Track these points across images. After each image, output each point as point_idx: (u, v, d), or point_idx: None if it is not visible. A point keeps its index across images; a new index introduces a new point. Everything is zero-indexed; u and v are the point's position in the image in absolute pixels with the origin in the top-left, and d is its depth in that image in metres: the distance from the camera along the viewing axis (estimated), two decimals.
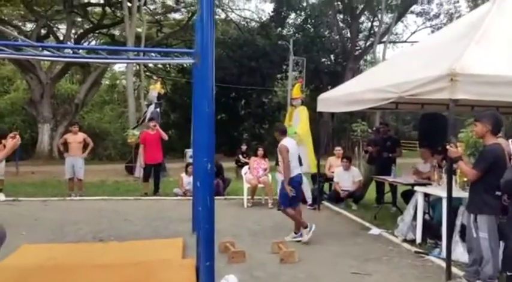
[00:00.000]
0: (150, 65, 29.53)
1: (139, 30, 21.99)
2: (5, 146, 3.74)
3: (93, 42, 28.22)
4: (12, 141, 3.65)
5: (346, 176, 8.70)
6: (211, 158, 3.29)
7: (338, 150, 9.66)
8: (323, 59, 28.99)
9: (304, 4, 28.22)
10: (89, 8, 25.42)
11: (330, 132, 26.96)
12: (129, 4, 19.30)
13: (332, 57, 30.19)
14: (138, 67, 21.89)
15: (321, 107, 8.05)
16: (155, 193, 9.86)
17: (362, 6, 28.77)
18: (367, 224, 7.04)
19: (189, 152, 13.64)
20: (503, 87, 4.40)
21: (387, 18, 28.95)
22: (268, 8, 40.91)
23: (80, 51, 5.84)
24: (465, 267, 4.47)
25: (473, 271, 4.21)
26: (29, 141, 20.93)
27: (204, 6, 3.19)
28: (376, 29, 29.01)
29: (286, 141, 6.01)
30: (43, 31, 23.84)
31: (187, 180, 9.44)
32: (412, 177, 7.00)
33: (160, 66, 30.66)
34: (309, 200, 8.61)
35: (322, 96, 8.11)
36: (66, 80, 27.69)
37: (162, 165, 10.82)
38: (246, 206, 8.61)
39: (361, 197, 8.77)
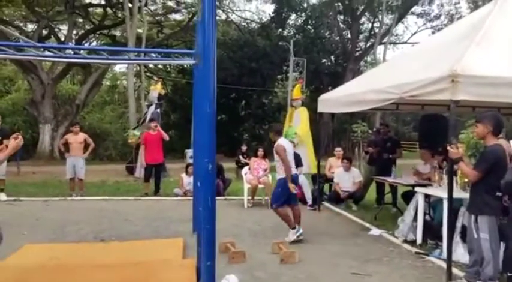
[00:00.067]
0: (151, 65, 29.56)
1: (140, 31, 21.99)
2: (7, 146, 3.76)
3: (94, 43, 28.24)
4: (14, 142, 3.66)
5: (346, 177, 8.70)
6: (212, 158, 3.31)
7: (338, 151, 9.67)
8: (323, 60, 28.97)
9: (305, 5, 28.22)
10: (90, 9, 25.46)
11: (330, 133, 26.95)
12: (130, 5, 19.29)
13: (332, 58, 30.17)
14: (138, 68, 21.89)
15: (321, 108, 8.05)
16: (156, 193, 9.88)
17: (362, 7, 28.76)
18: (367, 225, 7.04)
19: (190, 152, 13.64)
20: (504, 88, 4.41)
21: (388, 19, 28.94)
22: (269, 9, 40.89)
23: (81, 51, 5.85)
24: (466, 268, 4.48)
25: (473, 272, 4.22)
26: (30, 142, 20.94)
27: (205, 7, 3.20)
28: (376, 30, 29.00)
29: (283, 141, 6.05)
30: (44, 32, 23.85)
31: (187, 180, 9.46)
32: (412, 178, 7.00)
33: (160, 66, 30.69)
34: (309, 201, 8.63)
35: (323, 97, 8.12)
36: (67, 80, 27.73)
37: (162, 165, 10.83)
38: (246, 206, 8.62)
39: (361, 198, 8.78)
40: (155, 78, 23.64)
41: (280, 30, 28.22)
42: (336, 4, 28.43)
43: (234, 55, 25.39)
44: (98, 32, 26.95)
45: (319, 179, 8.63)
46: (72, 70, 26.17)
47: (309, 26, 28.25)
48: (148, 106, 14.08)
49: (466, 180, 4.92)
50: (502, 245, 4.29)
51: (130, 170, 14.19)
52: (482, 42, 4.80)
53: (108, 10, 25.02)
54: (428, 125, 7.97)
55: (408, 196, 6.88)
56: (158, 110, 13.32)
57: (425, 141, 8.05)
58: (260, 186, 8.73)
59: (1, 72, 26.70)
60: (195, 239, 4.47)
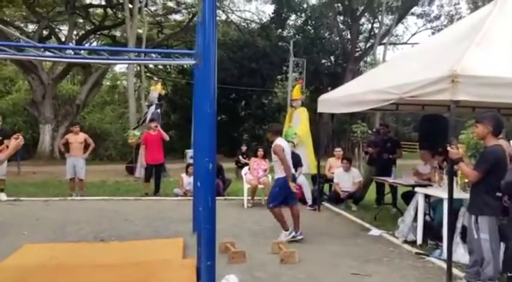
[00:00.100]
0: (151, 66, 29.58)
1: (140, 31, 22.01)
2: (7, 147, 3.76)
3: (95, 44, 28.26)
4: (15, 142, 3.66)
5: (346, 177, 8.71)
6: (212, 158, 3.31)
7: (338, 151, 9.67)
8: (323, 61, 28.97)
9: (305, 6, 28.23)
10: (91, 10, 25.48)
11: (330, 134, 26.95)
12: (130, 6, 19.31)
13: (332, 58, 30.18)
14: (139, 68, 21.91)
15: (321, 108, 8.06)
16: (156, 193, 9.88)
17: (362, 7, 28.77)
18: (367, 225, 7.05)
19: (190, 152, 13.66)
20: (504, 89, 4.41)
21: (387, 19, 28.95)
22: (269, 10, 40.92)
23: (82, 52, 5.86)
24: (466, 269, 4.48)
25: (474, 272, 4.22)
26: (31, 142, 20.95)
27: (206, 8, 3.20)
28: (376, 31, 29.02)
29: (281, 141, 6.05)
30: (45, 32, 23.87)
31: (187, 180, 9.46)
32: (412, 178, 7.00)
33: (160, 67, 30.71)
34: (309, 201, 8.63)
35: (323, 97, 8.12)
36: (67, 80, 27.75)
37: (163, 165, 10.84)
38: (246, 206, 8.62)
39: (361, 198, 8.78)
40: (155, 79, 23.64)
41: (280, 30, 28.23)
42: (335, 5, 28.44)
43: (234, 55, 25.40)
44: (99, 33, 26.97)
45: (319, 179, 8.63)
46: (73, 70, 26.19)
47: (308, 27, 28.25)
48: (149, 106, 14.09)
49: (466, 180, 4.92)
50: (502, 246, 4.30)
51: (131, 170, 14.20)
52: (482, 43, 4.81)
53: (109, 11, 25.04)
54: (428, 126, 7.98)
55: (408, 196, 6.89)
56: (158, 110, 13.34)
57: (425, 142, 8.06)
58: (260, 186, 8.73)
59: (2, 73, 26.72)
60: (195, 239, 4.47)
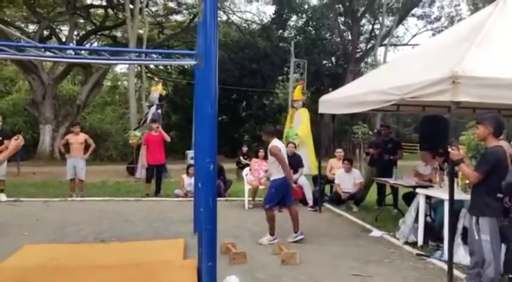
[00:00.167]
0: (152, 66, 29.59)
1: (141, 31, 22.03)
2: (7, 147, 3.76)
3: (95, 44, 28.30)
4: (15, 142, 3.66)
5: (347, 178, 8.70)
6: (213, 159, 3.30)
7: (339, 152, 9.67)
8: (324, 61, 28.99)
9: (306, 6, 28.25)
10: (92, 10, 25.50)
11: (331, 134, 26.97)
12: (131, 6, 19.33)
13: (333, 59, 30.20)
14: (139, 68, 21.93)
15: (322, 109, 8.05)
16: (156, 194, 9.88)
17: (363, 9, 28.80)
18: (368, 226, 7.04)
19: (190, 153, 13.64)
20: (505, 90, 4.41)
21: (388, 21, 28.98)
22: (270, 10, 41.10)
23: (82, 52, 5.86)
24: (467, 270, 4.48)
25: (475, 273, 4.21)
26: (31, 142, 20.97)
27: (207, 8, 3.20)
28: (377, 32, 29.04)
29: (277, 142, 6.04)
30: (45, 32, 23.90)
31: (188, 181, 9.46)
32: (413, 179, 6.99)
33: (161, 67, 30.73)
34: (310, 202, 8.62)
35: (324, 98, 8.12)
36: (68, 81, 27.78)
37: (164, 166, 10.84)
38: (247, 207, 8.61)
39: (362, 199, 8.77)
40: (156, 79, 23.64)
41: (281, 31, 28.25)
42: (336, 6, 28.46)
43: (235, 56, 25.41)
44: (99, 33, 27.00)
45: (320, 180, 8.62)
46: (73, 71, 26.22)
47: (309, 28, 28.27)
48: (149, 107, 14.10)
49: (467, 181, 4.91)
50: (503, 247, 4.29)
51: (131, 171, 14.19)
52: (483, 44, 4.81)
53: (110, 11, 25.05)
54: (429, 127, 7.97)
55: (409, 197, 6.88)
56: (159, 111, 13.35)
57: (426, 143, 8.05)
58: (261, 187, 8.73)
59: (2, 73, 26.74)
60: (196, 240, 4.46)
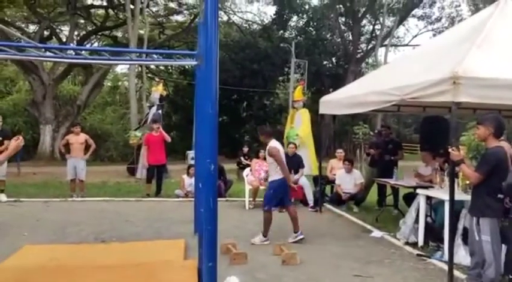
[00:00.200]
0: (152, 66, 29.58)
1: (141, 32, 22.02)
2: (7, 148, 3.76)
3: (96, 44, 28.29)
4: (15, 143, 3.66)
5: (347, 179, 8.70)
6: (214, 159, 3.30)
7: (340, 152, 9.67)
8: (325, 62, 28.99)
9: (306, 7, 28.24)
10: (92, 10, 25.50)
11: (331, 135, 26.95)
12: (131, 6, 19.34)
13: (334, 60, 30.20)
14: (140, 69, 21.93)
15: (323, 109, 8.05)
16: (157, 194, 9.88)
17: (364, 9, 28.80)
18: (369, 227, 7.04)
19: (191, 153, 13.65)
20: (506, 91, 4.41)
21: (389, 21, 28.97)
22: (271, 11, 41.06)
23: (83, 52, 5.86)
24: (467, 270, 4.47)
25: (475, 274, 4.21)
26: (31, 142, 20.97)
27: (208, 8, 3.20)
28: (377, 32, 29.02)
29: (275, 143, 6.02)
30: (46, 33, 23.90)
31: (188, 181, 9.46)
32: (414, 179, 6.99)
33: (162, 68, 30.72)
34: (311, 202, 8.63)
35: (325, 99, 8.12)
36: (68, 81, 27.77)
37: (165, 166, 10.84)
38: (247, 207, 8.61)
39: (362, 200, 8.77)
40: (157, 80, 23.62)
41: (281, 31, 28.25)
42: (337, 6, 28.46)
43: (236, 56, 25.42)
44: (100, 33, 27.00)
45: (321, 180, 8.62)
46: (74, 71, 26.21)
47: (310, 28, 28.26)
48: (150, 107, 14.09)
49: (468, 182, 4.91)
50: (504, 248, 4.29)
51: (132, 171, 14.19)
52: (484, 45, 4.81)
53: (110, 11, 25.06)
54: (430, 127, 7.97)
55: (410, 198, 6.88)
56: (160, 111, 13.35)
57: (426, 143, 8.05)
58: (261, 187, 8.71)
59: (2, 73, 26.75)
60: (197, 240, 4.46)
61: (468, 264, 4.53)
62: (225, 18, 28.51)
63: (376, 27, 29.88)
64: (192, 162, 10.57)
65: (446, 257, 4.85)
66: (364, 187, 8.75)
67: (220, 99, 3.44)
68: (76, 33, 25.80)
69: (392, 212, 7.99)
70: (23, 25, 25.67)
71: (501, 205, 4.04)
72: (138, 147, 12.99)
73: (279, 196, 5.97)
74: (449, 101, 4.41)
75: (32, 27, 25.67)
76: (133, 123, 17.70)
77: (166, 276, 4.29)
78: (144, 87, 23.40)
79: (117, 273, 4.39)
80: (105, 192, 10.41)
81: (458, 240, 5.04)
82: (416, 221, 5.94)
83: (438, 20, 30.29)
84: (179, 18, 29.30)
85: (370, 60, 32.64)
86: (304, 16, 28.49)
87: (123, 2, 21.09)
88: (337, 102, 7.44)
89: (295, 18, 29.18)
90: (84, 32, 26.78)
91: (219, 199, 3.67)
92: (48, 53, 4.78)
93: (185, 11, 28.22)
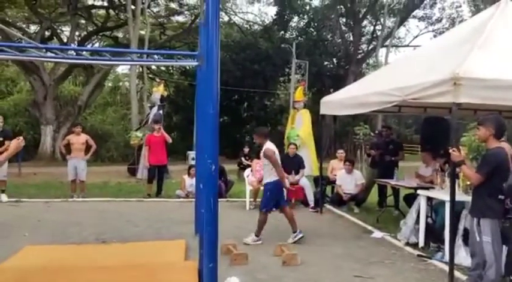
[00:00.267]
0: (153, 67, 29.57)
1: (142, 32, 22.03)
2: (8, 148, 3.76)
3: (97, 45, 28.32)
4: (15, 143, 3.66)
5: (348, 179, 8.69)
6: (214, 160, 3.29)
7: (340, 153, 9.67)
8: (325, 62, 28.99)
9: (307, 8, 28.23)
10: (93, 11, 25.50)
11: (332, 135, 26.92)
12: (132, 7, 19.35)
13: (334, 60, 30.20)
14: (141, 69, 21.95)
15: (323, 110, 8.05)
16: (158, 195, 9.88)
17: (364, 10, 28.79)
18: (370, 227, 7.04)
19: (192, 154, 13.67)
20: (506, 91, 4.41)
21: (389, 22, 28.95)
22: (271, 11, 41.14)
23: (84, 53, 5.87)
24: (468, 271, 4.47)
25: (476, 275, 4.20)
26: (32, 143, 20.95)
27: (209, 9, 3.20)
28: (378, 33, 29.00)
29: (270, 145, 6.02)
30: (47, 33, 23.91)
31: (189, 182, 9.47)
32: (414, 180, 6.99)
33: (163, 68, 30.71)
34: (312, 203, 8.63)
35: (325, 99, 8.12)
36: (69, 81, 27.77)
37: (166, 167, 10.84)
38: (248, 208, 8.62)
39: (363, 200, 8.77)
40: (158, 80, 23.63)
41: (282, 32, 28.24)
42: (338, 7, 28.44)
43: (237, 57, 25.42)
44: (101, 34, 27.01)
45: (322, 181, 8.62)
46: (75, 71, 26.21)
47: (311, 29, 28.26)
48: (151, 107, 14.11)
49: (468, 183, 4.91)
50: (505, 249, 4.28)
51: (132, 172, 14.19)
52: (484, 46, 4.81)
53: (111, 12, 25.07)
54: (430, 128, 7.98)
55: (410, 199, 6.87)
56: (160, 112, 13.36)
57: (427, 144, 8.06)
58: (262, 188, 8.71)
59: (3, 74, 26.76)
60: (197, 241, 4.46)
61: (469, 265, 4.52)
62: (226, 18, 28.55)
63: (377, 28, 29.86)
64: (193, 162, 10.58)
65: (447, 257, 4.85)
66: (364, 188, 8.75)
67: (221, 99, 3.44)
68: (77, 33, 25.81)
69: (393, 213, 7.99)
70: (24, 25, 25.68)
71: (502, 206, 4.04)
72: (139, 147, 13.00)
73: (276, 198, 5.99)
74: (450, 102, 4.42)
75: (33, 28, 25.71)
76: (134, 123, 17.71)
77: (166, 277, 4.29)
78: (145, 87, 23.45)
79: (118, 274, 4.39)
80: (106, 193, 10.41)
81: (459, 241, 5.03)
82: (417, 221, 5.94)
83: (439, 20, 30.29)
84: (180, 18, 29.34)
85: (371, 61, 32.62)
86: (305, 17, 28.49)
87: (124, 3, 21.12)
88: (338, 102, 7.44)
89: (296, 18, 29.18)
90: (85, 33, 26.80)
91: (219, 199, 3.67)
92: (49, 54, 4.78)
93: (186, 12, 28.23)
